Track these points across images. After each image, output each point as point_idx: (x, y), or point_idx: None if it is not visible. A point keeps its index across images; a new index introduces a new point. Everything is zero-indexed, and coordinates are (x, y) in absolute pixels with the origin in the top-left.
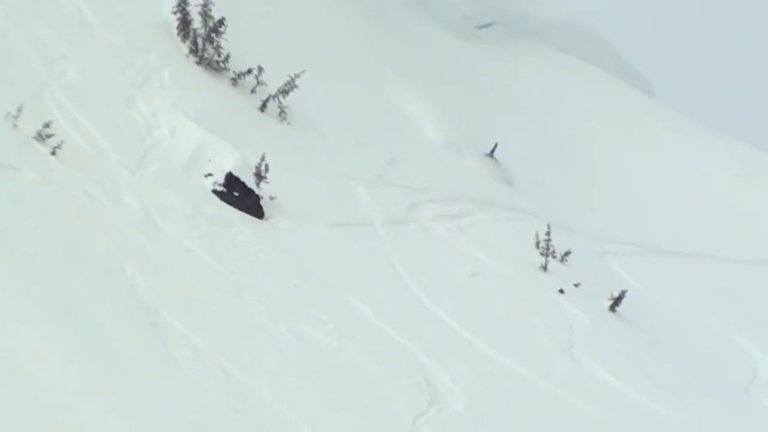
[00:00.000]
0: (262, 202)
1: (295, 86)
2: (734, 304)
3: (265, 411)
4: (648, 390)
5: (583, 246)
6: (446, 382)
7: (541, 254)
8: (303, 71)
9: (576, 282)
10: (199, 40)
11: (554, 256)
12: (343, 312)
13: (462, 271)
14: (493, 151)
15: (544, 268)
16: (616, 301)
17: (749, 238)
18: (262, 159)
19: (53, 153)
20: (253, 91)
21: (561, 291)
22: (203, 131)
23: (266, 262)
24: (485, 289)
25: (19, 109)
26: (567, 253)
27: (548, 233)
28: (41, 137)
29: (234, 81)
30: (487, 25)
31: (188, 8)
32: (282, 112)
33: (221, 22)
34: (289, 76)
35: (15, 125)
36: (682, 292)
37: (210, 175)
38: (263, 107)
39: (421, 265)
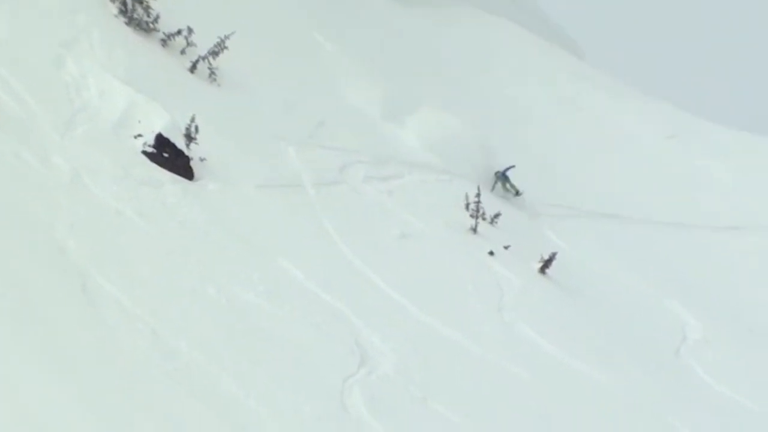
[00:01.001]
0: (191, 164)
1: (225, 48)
2: (665, 267)
3: (195, 372)
4: (578, 352)
5: (513, 208)
6: (376, 344)
7: (471, 216)
8: (233, 32)
9: (506, 244)
10: (129, 1)
11: (484, 218)
12: (273, 273)
13: (392, 232)
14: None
15: (474, 230)
16: (546, 264)
17: (680, 201)
18: (192, 120)
19: None
20: (182, 52)
21: (491, 253)
22: (133, 92)
23: (196, 223)
24: (415, 250)
25: None
26: (497, 216)
27: (478, 195)
28: None
29: (164, 42)
30: None
31: None
32: (212, 73)
33: None
34: (219, 37)
35: None
36: (613, 255)
37: (140, 136)
38: (193, 68)
39: (352, 227)
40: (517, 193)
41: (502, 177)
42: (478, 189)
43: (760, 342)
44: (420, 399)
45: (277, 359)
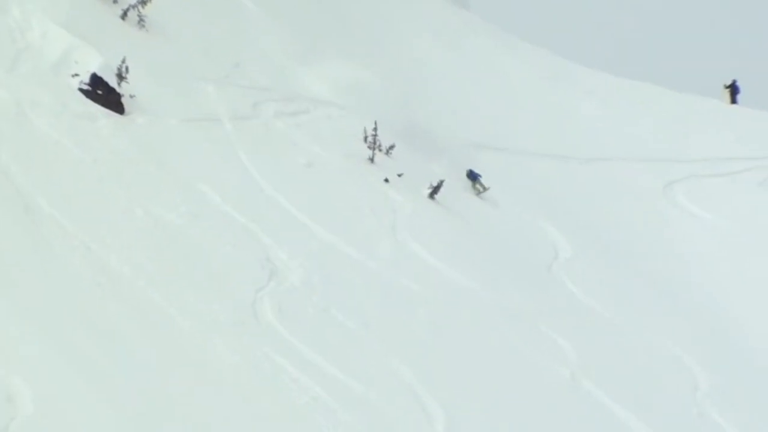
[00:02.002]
0: (123, 100)
1: None
2: (538, 193)
3: (124, 284)
4: (462, 268)
5: (406, 141)
6: (284, 260)
7: (369, 148)
8: None
9: (399, 173)
10: None
11: (380, 150)
12: (194, 197)
13: (299, 161)
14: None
15: (371, 160)
16: (435, 190)
17: (552, 134)
18: (123, 62)
19: None
20: (115, 1)
21: (386, 180)
22: (71, 36)
23: (126, 152)
24: (319, 177)
25: None
26: (391, 147)
27: (375, 129)
28: None
29: None
30: None
31: None
32: (141, 20)
33: None
34: None
35: None
36: (494, 182)
37: (77, 75)
38: (124, 16)
39: (264, 157)
40: (484, 189)
41: (472, 176)
42: (375, 124)
43: (618, 260)
44: (322, 309)
45: (197, 273)
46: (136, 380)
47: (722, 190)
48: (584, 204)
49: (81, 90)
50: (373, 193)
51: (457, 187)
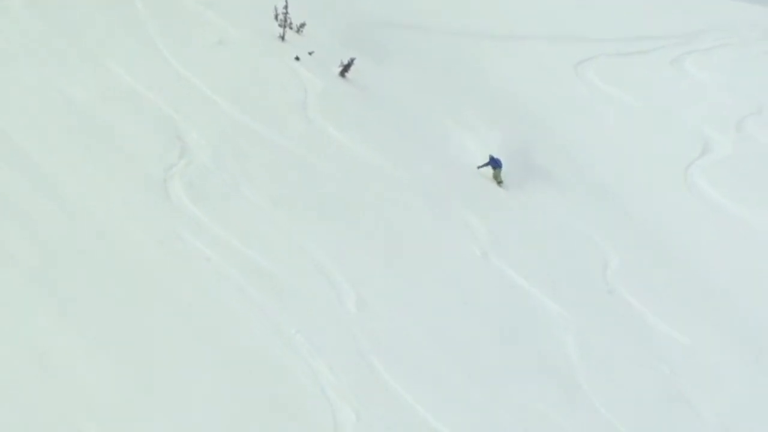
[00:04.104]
0: None
1: None
2: (453, 73)
3: (35, 166)
4: (374, 147)
5: (317, 19)
6: (195, 138)
7: (280, 26)
8: None
9: (310, 51)
10: None
11: (291, 28)
12: (106, 77)
13: (210, 40)
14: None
15: (282, 38)
16: (345, 68)
17: (468, 13)
18: None
19: None
20: None
21: (297, 58)
22: None
23: (37, 31)
24: (230, 55)
25: None
26: (302, 25)
27: (286, 7)
28: None
29: None
30: None
31: None
32: None
33: None
34: None
35: None
36: (402, 62)
37: None
38: None
39: (175, 35)
40: (499, 182)
41: (494, 164)
42: (286, 1)
43: (529, 135)
44: (232, 186)
45: (108, 152)
46: (48, 264)
47: (633, 69)
48: (497, 83)
49: None
50: (284, 71)
51: (372, 64)
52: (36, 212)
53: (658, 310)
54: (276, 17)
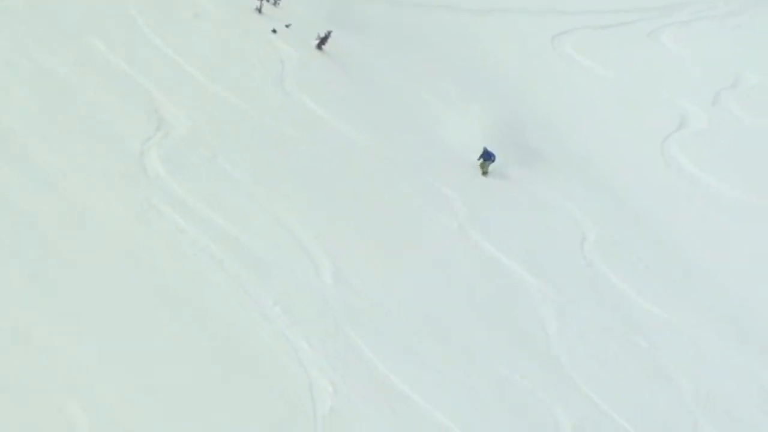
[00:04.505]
0: None
1: None
2: (433, 47)
3: (11, 139)
4: (352, 120)
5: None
6: (172, 111)
7: None
8: None
9: (287, 23)
10: None
11: (268, 1)
12: (84, 50)
13: (186, 13)
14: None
15: (259, 10)
16: (322, 41)
17: None
18: None
19: None
20: None
21: (274, 31)
22: None
23: (15, 5)
24: (207, 29)
25: None
26: None
27: None
28: None
29: None
30: None
31: None
32: None
33: None
34: None
35: None
36: (382, 35)
37: None
38: None
39: (151, 9)
40: (484, 173)
41: (486, 156)
42: None
43: (506, 112)
44: (209, 158)
45: (85, 123)
46: (24, 238)
47: (610, 42)
48: (475, 56)
49: None
50: (261, 44)
51: (346, 39)
52: (12, 185)
53: (637, 285)
54: None
